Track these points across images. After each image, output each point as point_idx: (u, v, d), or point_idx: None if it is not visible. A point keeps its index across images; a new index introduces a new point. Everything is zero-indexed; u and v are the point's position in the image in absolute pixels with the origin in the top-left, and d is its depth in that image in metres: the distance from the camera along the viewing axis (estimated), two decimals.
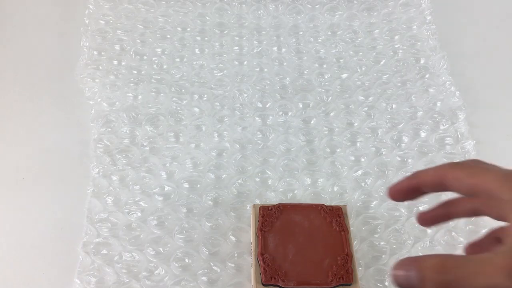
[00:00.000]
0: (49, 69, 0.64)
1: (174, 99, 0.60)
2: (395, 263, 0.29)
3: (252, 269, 0.45)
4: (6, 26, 0.68)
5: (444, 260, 0.28)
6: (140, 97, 0.60)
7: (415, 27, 0.70)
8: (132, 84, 0.61)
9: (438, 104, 0.61)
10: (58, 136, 0.58)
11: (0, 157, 0.56)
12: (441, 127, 0.59)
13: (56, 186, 0.54)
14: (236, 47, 0.67)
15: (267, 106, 0.61)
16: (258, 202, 0.52)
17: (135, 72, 0.63)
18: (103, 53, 0.64)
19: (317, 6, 0.72)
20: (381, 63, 0.66)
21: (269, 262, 0.44)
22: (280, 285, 0.43)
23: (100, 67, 0.62)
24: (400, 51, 0.68)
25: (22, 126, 0.58)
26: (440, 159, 0.56)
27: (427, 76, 0.64)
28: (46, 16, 0.69)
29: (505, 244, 0.28)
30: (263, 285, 0.44)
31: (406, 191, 0.35)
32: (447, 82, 0.63)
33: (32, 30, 0.68)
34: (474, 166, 0.32)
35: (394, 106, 0.61)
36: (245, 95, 0.61)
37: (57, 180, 0.54)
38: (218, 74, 0.63)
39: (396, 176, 0.54)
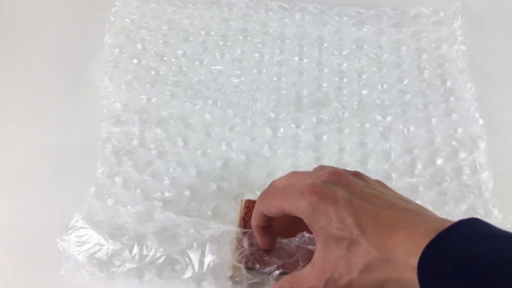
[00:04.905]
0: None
1: (187, 104, 0.60)
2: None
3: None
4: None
5: (288, 279, 0.40)
6: (153, 99, 0.60)
7: (445, 47, 0.67)
8: (147, 85, 0.61)
9: (459, 130, 0.58)
10: (60, 135, 0.58)
11: (0, 157, 0.56)
12: (460, 156, 0.56)
13: (56, 186, 0.54)
14: (257, 54, 0.66)
15: (280, 117, 0.59)
16: None
17: (153, 72, 0.63)
18: (124, 51, 0.64)
19: (344, 19, 0.70)
20: (405, 82, 0.64)
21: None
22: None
23: (120, 65, 0.63)
24: (426, 71, 0.65)
25: (22, 126, 0.59)
26: (453, 190, 0.53)
27: (451, 99, 0.62)
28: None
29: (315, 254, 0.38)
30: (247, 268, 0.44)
31: (263, 226, 0.43)
32: (472, 108, 0.60)
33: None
34: (277, 197, 0.39)
35: (411, 128, 0.59)
36: (259, 104, 0.60)
37: (57, 180, 0.54)
38: (235, 81, 0.63)
39: None
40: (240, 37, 0.68)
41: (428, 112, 0.60)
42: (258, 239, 0.44)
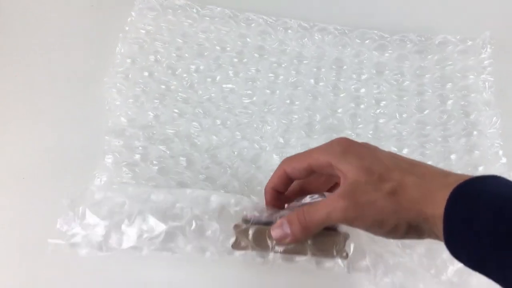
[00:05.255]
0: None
1: (194, 123, 0.58)
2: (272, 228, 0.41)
3: None
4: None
5: (300, 212, 0.39)
6: (161, 116, 0.58)
7: (471, 76, 0.63)
8: (156, 101, 0.59)
9: (480, 169, 0.55)
10: (60, 135, 0.57)
11: (0, 157, 0.56)
12: None
13: (56, 186, 0.53)
14: (272, 75, 0.64)
15: (289, 142, 0.57)
16: None
17: (163, 87, 0.61)
18: (136, 63, 0.63)
19: (366, 42, 0.67)
20: (425, 112, 0.60)
21: None
22: None
23: (130, 76, 0.61)
24: (449, 101, 0.62)
25: (22, 126, 0.58)
26: None
27: (474, 133, 0.58)
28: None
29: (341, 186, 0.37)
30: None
31: (278, 190, 0.43)
32: (495, 144, 0.56)
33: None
34: (303, 153, 0.41)
35: (428, 163, 0.55)
36: (269, 127, 0.58)
37: (57, 181, 0.54)
38: (246, 101, 0.61)
39: None
40: (256, 54, 0.66)
41: (447, 147, 0.57)
42: (267, 203, 0.44)
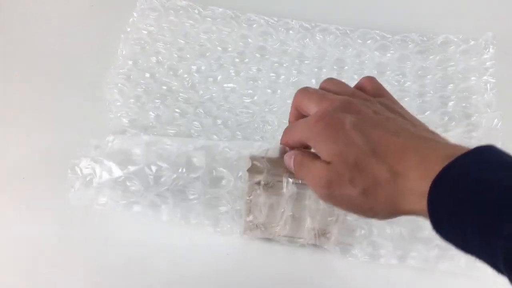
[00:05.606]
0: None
1: (195, 122, 0.58)
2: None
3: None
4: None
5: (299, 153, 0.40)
6: (162, 116, 0.58)
7: (473, 78, 0.63)
8: (157, 101, 0.59)
9: None
10: (60, 136, 0.57)
11: (0, 157, 0.56)
12: None
13: (57, 186, 0.53)
14: (273, 74, 0.64)
15: None
16: None
17: (165, 87, 0.61)
18: (137, 64, 0.63)
19: (368, 42, 0.67)
20: (426, 113, 0.60)
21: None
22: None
23: (131, 77, 0.61)
24: (451, 102, 0.61)
25: (23, 125, 0.59)
26: None
27: (474, 135, 0.58)
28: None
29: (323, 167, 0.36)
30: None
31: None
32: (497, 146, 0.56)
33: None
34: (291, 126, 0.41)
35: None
36: (269, 127, 0.58)
37: (57, 181, 0.53)
38: (247, 101, 0.61)
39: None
40: (257, 55, 0.66)
41: None
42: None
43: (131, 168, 0.47)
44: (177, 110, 0.59)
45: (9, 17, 0.69)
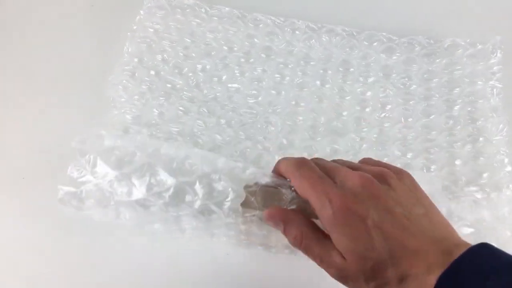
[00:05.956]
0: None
1: (199, 121, 0.58)
2: (268, 210, 0.40)
3: None
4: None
5: (302, 233, 0.38)
6: (165, 114, 0.58)
7: (479, 82, 0.62)
8: (162, 99, 0.59)
9: (484, 175, 0.54)
10: (60, 136, 0.56)
11: (0, 157, 0.56)
12: None
13: (56, 186, 0.52)
14: (278, 75, 0.63)
15: (293, 144, 0.57)
16: None
17: (169, 85, 0.61)
18: (143, 62, 0.63)
19: (374, 44, 0.66)
20: (431, 117, 0.60)
21: None
22: None
23: (136, 74, 0.62)
24: (456, 107, 0.61)
25: (23, 125, 0.59)
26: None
27: (480, 140, 0.57)
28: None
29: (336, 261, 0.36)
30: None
31: None
32: (501, 152, 0.56)
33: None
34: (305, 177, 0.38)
35: (432, 168, 0.55)
36: (272, 128, 0.58)
37: (57, 181, 0.53)
38: (251, 101, 0.61)
39: None
40: (263, 55, 0.66)
41: (452, 152, 0.56)
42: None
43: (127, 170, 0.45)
44: (181, 108, 0.59)
45: (9, 17, 0.70)
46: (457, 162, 0.56)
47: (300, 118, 0.59)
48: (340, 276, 0.36)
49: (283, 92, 0.62)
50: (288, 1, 0.72)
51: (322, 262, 0.37)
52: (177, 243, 0.51)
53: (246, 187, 0.43)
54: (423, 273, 0.33)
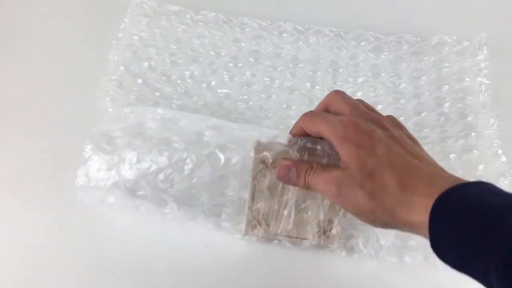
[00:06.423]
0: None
1: None
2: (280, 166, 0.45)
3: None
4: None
5: (307, 172, 0.43)
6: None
7: (467, 79, 0.63)
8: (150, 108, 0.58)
9: (480, 167, 0.55)
10: (60, 136, 0.57)
11: (0, 157, 0.56)
12: None
13: (56, 186, 0.53)
14: (267, 79, 0.63)
15: None
16: None
17: (158, 94, 0.60)
18: (129, 70, 0.62)
19: (362, 43, 0.66)
20: (422, 114, 0.60)
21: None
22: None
23: (124, 83, 0.60)
24: (446, 104, 0.61)
25: (23, 126, 0.58)
26: None
27: (472, 135, 0.58)
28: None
29: (339, 170, 0.41)
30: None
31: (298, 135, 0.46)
32: (494, 145, 0.56)
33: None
34: (317, 117, 0.42)
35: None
36: None
37: (57, 181, 0.53)
38: (242, 106, 0.60)
39: None
40: (251, 59, 0.65)
41: (446, 147, 0.57)
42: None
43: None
44: None
45: (11, 17, 0.69)
46: (452, 155, 0.56)
47: (292, 121, 0.58)
48: (336, 183, 0.39)
49: (273, 95, 0.61)
50: (274, 4, 0.72)
51: (321, 178, 0.41)
52: (178, 244, 0.51)
53: (260, 140, 0.46)
54: (427, 186, 0.35)
